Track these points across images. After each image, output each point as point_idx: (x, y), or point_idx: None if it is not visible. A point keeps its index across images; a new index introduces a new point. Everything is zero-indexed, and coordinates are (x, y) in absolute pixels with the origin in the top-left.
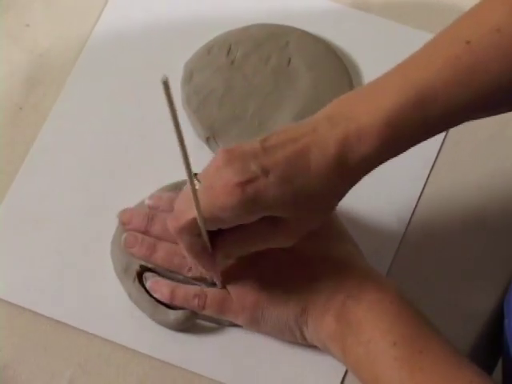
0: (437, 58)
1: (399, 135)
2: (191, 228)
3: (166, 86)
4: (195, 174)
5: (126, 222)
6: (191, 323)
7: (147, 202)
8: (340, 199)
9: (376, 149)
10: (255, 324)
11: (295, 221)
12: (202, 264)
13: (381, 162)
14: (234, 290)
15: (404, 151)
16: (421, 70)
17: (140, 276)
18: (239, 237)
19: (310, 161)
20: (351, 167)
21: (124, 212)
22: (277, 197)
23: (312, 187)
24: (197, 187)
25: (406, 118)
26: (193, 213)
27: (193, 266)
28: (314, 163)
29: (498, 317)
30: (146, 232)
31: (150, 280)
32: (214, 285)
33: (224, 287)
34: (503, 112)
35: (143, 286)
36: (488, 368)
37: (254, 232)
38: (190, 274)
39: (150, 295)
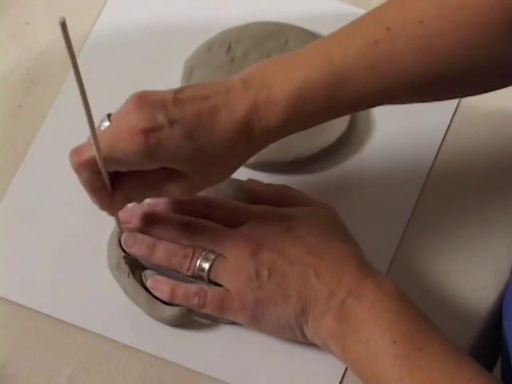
0: (356, 39)
1: (307, 109)
2: (90, 165)
3: (63, 27)
4: (109, 115)
5: (126, 220)
6: (187, 319)
7: (147, 201)
8: (240, 164)
9: (282, 120)
10: (255, 323)
11: (193, 176)
12: (99, 201)
13: (285, 134)
14: (234, 289)
15: (310, 126)
16: (339, 48)
17: (134, 271)
18: (138, 181)
19: (217, 121)
20: (256, 134)
21: (124, 211)
22: (177, 150)
23: (214, 147)
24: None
25: (315, 93)
26: (93, 150)
27: (92, 203)
28: (221, 124)
29: (497, 317)
30: (145, 231)
31: (150, 278)
32: (213, 283)
33: (122, 231)
34: (421, 101)
35: (138, 281)
36: (487, 367)
37: (153, 180)
38: (189, 273)
39: (146, 291)
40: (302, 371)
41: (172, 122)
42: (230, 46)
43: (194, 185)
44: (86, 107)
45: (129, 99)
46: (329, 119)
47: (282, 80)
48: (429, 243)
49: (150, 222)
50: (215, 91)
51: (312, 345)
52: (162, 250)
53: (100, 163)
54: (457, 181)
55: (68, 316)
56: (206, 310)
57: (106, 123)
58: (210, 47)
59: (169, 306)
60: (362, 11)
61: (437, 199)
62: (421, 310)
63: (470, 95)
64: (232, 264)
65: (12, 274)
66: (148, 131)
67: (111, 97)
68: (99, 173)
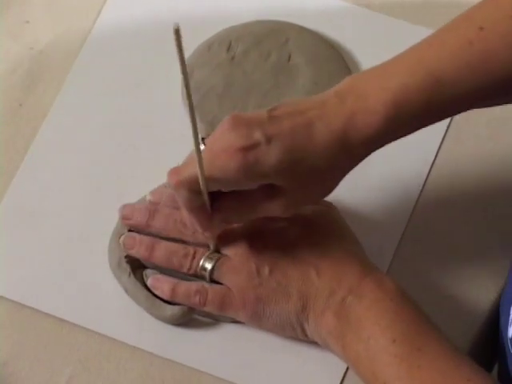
0: (449, 41)
1: (405, 116)
2: (190, 183)
3: (177, 34)
4: (203, 139)
5: (127, 216)
6: (188, 318)
7: (148, 197)
8: (341, 177)
9: (381, 128)
10: (256, 320)
11: (293, 191)
12: (198, 222)
13: (384, 143)
14: (235, 286)
15: (408, 134)
16: (432, 52)
17: (135, 270)
18: (238, 201)
19: (314, 134)
20: (354, 145)
21: (125, 207)
22: (276, 165)
23: (313, 160)
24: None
25: (412, 98)
26: (194, 169)
27: (188, 224)
28: (318, 136)
29: (496, 316)
30: (147, 226)
31: (151, 277)
32: (214, 282)
33: (217, 251)
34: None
35: (139, 280)
36: (487, 367)
37: (253, 198)
38: (190, 272)
39: (147, 290)
40: (304, 370)
41: (269, 139)
42: (230, 45)
43: (294, 201)
44: (194, 125)
45: (223, 121)
46: (426, 125)
47: (378, 89)
48: (428, 243)
49: (151, 219)
50: (309, 106)
51: (314, 343)
52: (162, 251)
53: (201, 182)
54: (457, 181)
55: (68, 315)
56: (207, 308)
57: (201, 146)
58: (210, 46)
59: (170, 305)
60: (363, 9)
61: (437, 199)
62: (421, 310)
63: None
64: (234, 262)
65: (12, 273)
66: (246, 149)
67: (111, 95)
68: (198, 192)
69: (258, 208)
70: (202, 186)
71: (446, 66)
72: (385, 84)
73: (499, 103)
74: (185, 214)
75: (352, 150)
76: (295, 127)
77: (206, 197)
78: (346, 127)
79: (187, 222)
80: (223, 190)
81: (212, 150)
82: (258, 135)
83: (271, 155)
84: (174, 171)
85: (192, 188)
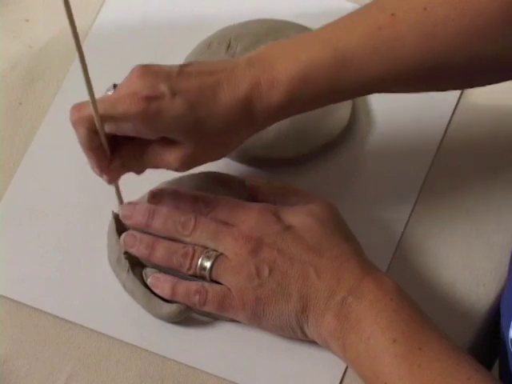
0: (360, 25)
1: (308, 91)
2: (89, 121)
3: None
4: (115, 85)
5: (127, 216)
6: (186, 316)
7: (149, 198)
8: (239, 141)
9: (283, 100)
10: (256, 321)
11: (191, 148)
12: (96, 162)
13: (286, 115)
14: (234, 287)
15: (310, 109)
16: (343, 33)
17: (134, 267)
18: (137, 150)
19: (219, 96)
20: (256, 113)
21: (125, 206)
22: (177, 120)
23: (214, 120)
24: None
25: (317, 75)
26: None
27: (90, 166)
28: (223, 99)
29: (496, 315)
30: (146, 226)
31: (151, 276)
32: (214, 282)
33: (121, 203)
34: (422, 91)
35: (138, 277)
36: (486, 366)
37: (152, 150)
38: (190, 272)
39: (145, 287)
40: (303, 369)
41: (174, 93)
42: (229, 44)
43: (191, 157)
44: (83, 65)
45: (133, 69)
46: (329, 103)
47: (286, 61)
48: (428, 241)
49: (151, 217)
50: (221, 68)
51: (313, 342)
52: (162, 250)
53: (97, 122)
54: (456, 180)
55: (68, 314)
56: (207, 308)
57: (111, 92)
58: (209, 44)
59: (167, 303)
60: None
61: (436, 197)
62: (420, 309)
63: (473, 86)
64: (233, 262)
65: (12, 271)
66: (150, 98)
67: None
68: (95, 132)
69: (157, 158)
70: (97, 126)
71: (354, 48)
72: (293, 57)
73: (408, 91)
74: (85, 154)
75: (253, 117)
76: (202, 86)
77: (102, 138)
78: (250, 94)
79: (89, 164)
80: (119, 133)
81: (118, 94)
82: (163, 87)
83: (173, 109)
84: (75, 107)
85: (91, 127)
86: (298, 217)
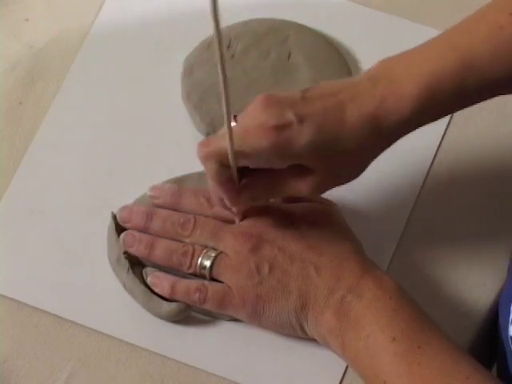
0: (479, 27)
1: (436, 100)
2: (219, 155)
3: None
4: (234, 116)
5: (125, 219)
6: (185, 315)
7: (149, 193)
8: (370, 160)
9: (412, 112)
10: (256, 318)
11: (322, 172)
12: (226, 195)
13: (415, 127)
14: (234, 285)
15: (438, 118)
16: (464, 37)
17: (134, 266)
18: (266, 179)
19: (346, 116)
20: (385, 128)
21: (123, 209)
22: (307, 145)
23: (343, 142)
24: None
25: (444, 83)
26: (223, 142)
27: (214, 199)
28: (350, 119)
29: (496, 314)
30: (145, 229)
31: (151, 275)
32: (214, 280)
33: (242, 219)
34: None
35: (138, 276)
36: (487, 365)
37: (281, 177)
38: (190, 271)
39: (145, 286)
40: (304, 368)
41: (301, 119)
42: (229, 43)
43: (322, 182)
44: (226, 97)
45: (255, 99)
46: (457, 110)
47: (410, 73)
48: (428, 241)
49: (149, 220)
50: (342, 88)
51: (313, 341)
52: (161, 249)
53: (230, 155)
54: (456, 179)
55: (68, 313)
56: (207, 306)
57: (232, 123)
58: (209, 44)
59: (167, 302)
60: (363, 7)
61: (436, 198)
62: (420, 308)
63: None
64: (233, 260)
65: (12, 271)
66: (278, 128)
67: (111, 93)
68: (226, 166)
69: (286, 187)
70: (230, 159)
71: (478, 51)
72: (416, 69)
73: None
74: (212, 189)
75: (382, 134)
76: (327, 108)
77: (234, 170)
78: (378, 110)
79: (213, 197)
80: (251, 166)
81: (244, 127)
82: (290, 115)
83: (303, 135)
84: (203, 143)
85: (220, 161)
86: (298, 215)
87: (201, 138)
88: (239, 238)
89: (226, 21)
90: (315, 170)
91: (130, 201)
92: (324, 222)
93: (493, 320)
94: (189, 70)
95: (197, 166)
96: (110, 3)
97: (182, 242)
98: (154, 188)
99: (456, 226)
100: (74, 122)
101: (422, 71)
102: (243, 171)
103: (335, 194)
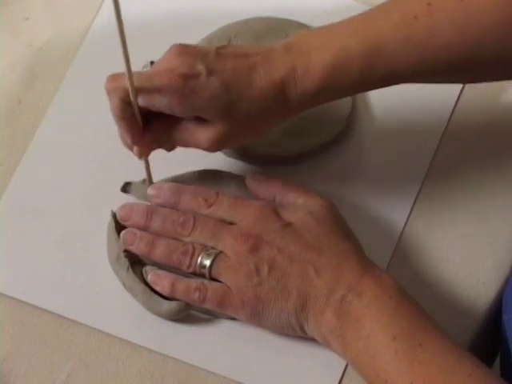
0: (395, 13)
1: (341, 78)
2: (122, 91)
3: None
4: (152, 62)
5: (125, 217)
6: (185, 314)
7: (149, 191)
8: (271, 126)
9: (317, 86)
10: (255, 319)
11: (222, 129)
12: (128, 132)
13: (318, 102)
14: (234, 285)
15: (342, 97)
16: (377, 21)
17: (134, 265)
18: (169, 126)
19: (255, 78)
20: (290, 98)
21: (123, 207)
22: (211, 99)
23: (248, 102)
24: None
25: (350, 62)
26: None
27: (121, 138)
28: (258, 82)
29: (496, 312)
30: (145, 227)
31: (151, 273)
32: (214, 280)
33: (150, 179)
34: (451, 82)
35: (137, 275)
36: (487, 363)
37: (183, 126)
38: (190, 270)
39: (145, 285)
40: (303, 367)
41: (210, 73)
42: (229, 41)
43: (222, 138)
44: (122, 36)
45: (171, 47)
46: (362, 91)
47: (321, 48)
48: (428, 240)
49: (149, 218)
50: (256, 51)
51: (313, 340)
52: (162, 247)
53: (132, 94)
54: (456, 179)
55: (68, 312)
56: (206, 305)
57: (147, 68)
58: (209, 42)
59: (167, 300)
60: (361, 5)
61: (436, 195)
62: (420, 306)
63: (509, 79)
64: (232, 260)
65: (12, 269)
66: (186, 76)
67: None
68: (130, 103)
69: (188, 136)
70: (131, 97)
71: (387, 37)
72: (327, 44)
73: (441, 82)
74: (117, 127)
75: (286, 103)
76: (238, 68)
77: (135, 108)
78: (286, 79)
79: (120, 137)
80: (153, 108)
81: (154, 69)
82: (200, 67)
83: (209, 88)
84: (111, 78)
85: (124, 97)
86: (298, 215)
87: None
88: (238, 238)
89: (226, 19)
90: (216, 125)
91: (130, 200)
92: (323, 221)
93: (494, 318)
94: None
95: (195, 165)
96: (110, 3)
97: (181, 240)
98: (153, 187)
99: (455, 225)
100: (73, 121)
101: (331, 47)
102: (148, 115)
103: (334, 192)
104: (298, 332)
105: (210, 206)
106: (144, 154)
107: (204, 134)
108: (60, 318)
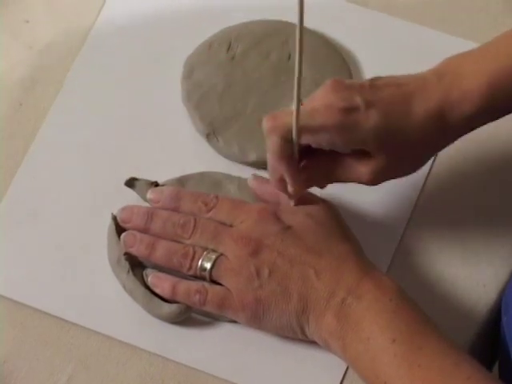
0: None
1: (499, 98)
2: (283, 129)
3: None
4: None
5: (125, 219)
6: (186, 317)
7: (149, 196)
8: (431, 154)
9: (476, 109)
10: (256, 322)
11: (384, 160)
12: (285, 170)
13: (478, 125)
14: (234, 288)
15: (500, 117)
16: None
17: (134, 268)
18: (328, 162)
19: (412, 107)
20: (449, 124)
21: (123, 209)
22: (372, 131)
23: (408, 132)
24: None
25: (505, 80)
26: (289, 118)
27: (271, 172)
28: (416, 110)
29: (496, 315)
30: (145, 230)
31: (152, 275)
32: (214, 282)
33: (297, 204)
34: None
35: (138, 277)
36: (487, 365)
37: (343, 162)
38: (190, 273)
39: (146, 287)
40: (303, 370)
41: (368, 105)
42: (230, 45)
43: (383, 171)
44: (299, 69)
45: (324, 84)
46: None
47: (475, 70)
48: (429, 242)
49: (149, 220)
50: (410, 80)
51: (313, 343)
52: (162, 250)
53: (295, 130)
54: (457, 180)
55: (68, 314)
56: (207, 308)
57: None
58: (210, 45)
59: (167, 303)
60: (363, 9)
61: (437, 198)
62: (420, 309)
63: None
64: (233, 263)
65: (12, 272)
66: (346, 110)
67: (111, 94)
68: (290, 141)
69: (347, 171)
70: (294, 135)
71: None
72: (481, 66)
73: None
74: (271, 166)
75: (446, 128)
76: (395, 98)
77: (296, 146)
78: (443, 104)
79: (271, 176)
80: (314, 145)
81: (312, 106)
82: (358, 100)
83: (369, 120)
84: (269, 117)
85: (284, 135)
86: (298, 217)
87: (200, 138)
88: (239, 242)
89: (226, 22)
90: (377, 157)
91: (130, 202)
92: (323, 224)
93: (494, 320)
94: (189, 71)
95: (197, 167)
96: (110, 4)
97: (182, 243)
98: (153, 191)
99: (456, 227)
100: (74, 124)
101: (486, 69)
102: (305, 154)
103: (335, 194)
104: (298, 335)
105: (209, 210)
106: (298, 194)
107: (365, 167)
108: (60, 320)
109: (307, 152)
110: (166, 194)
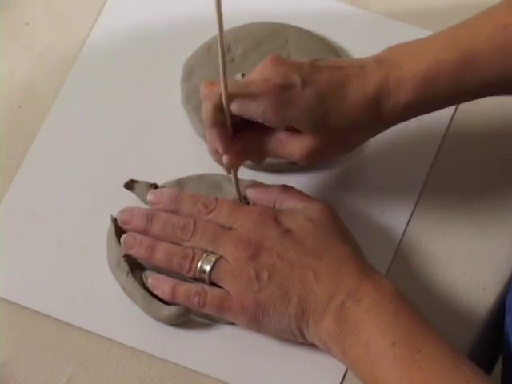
0: (487, 24)
1: (433, 91)
2: (218, 97)
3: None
4: (242, 75)
5: (125, 221)
6: (185, 319)
7: (149, 197)
8: (363, 140)
9: (409, 99)
10: (255, 325)
11: (316, 141)
12: (217, 139)
13: (409, 116)
14: (233, 291)
15: (434, 110)
16: (469, 33)
17: (133, 270)
18: (261, 135)
19: (348, 91)
20: (383, 111)
21: (123, 211)
22: (306, 110)
23: (342, 115)
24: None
25: (442, 74)
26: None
27: (209, 146)
28: (351, 94)
29: (497, 317)
30: (145, 232)
31: (151, 277)
32: (214, 285)
33: (229, 172)
34: None
35: (137, 279)
36: (487, 368)
37: (276, 137)
38: (190, 275)
39: (145, 289)
40: (303, 372)
41: (305, 84)
42: (229, 47)
43: (315, 150)
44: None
45: (266, 58)
46: (453, 103)
47: (412, 60)
48: (428, 244)
49: (149, 222)
50: (350, 64)
51: (313, 346)
52: (162, 252)
53: (224, 98)
54: (456, 181)
55: (68, 316)
56: (206, 310)
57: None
58: (209, 48)
59: (167, 305)
60: (362, 11)
61: (436, 200)
62: (419, 311)
63: None
64: (232, 266)
65: (12, 274)
66: (282, 87)
67: (111, 97)
68: (221, 110)
69: (279, 147)
70: (224, 103)
71: (480, 47)
72: (419, 56)
73: None
74: (207, 134)
75: (379, 116)
76: (332, 80)
77: (227, 115)
78: (378, 92)
79: (208, 144)
80: (246, 116)
81: (249, 78)
82: (295, 78)
83: (304, 99)
84: (207, 83)
85: (217, 103)
86: (297, 220)
87: (200, 141)
88: (238, 245)
89: (225, 25)
90: (309, 136)
91: (129, 203)
92: (322, 226)
93: (494, 322)
94: (188, 74)
95: (196, 169)
96: (109, 8)
97: (181, 245)
98: (153, 193)
99: (456, 229)
100: (73, 126)
101: (423, 59)
102: (240, 127)
103: (334, 195)
104: (298, 337)
105: (209, 213)
106: (233, 165)
107: (296, 145)
108: (60, 322)
109: (243, 125)
110: (166, 195)
